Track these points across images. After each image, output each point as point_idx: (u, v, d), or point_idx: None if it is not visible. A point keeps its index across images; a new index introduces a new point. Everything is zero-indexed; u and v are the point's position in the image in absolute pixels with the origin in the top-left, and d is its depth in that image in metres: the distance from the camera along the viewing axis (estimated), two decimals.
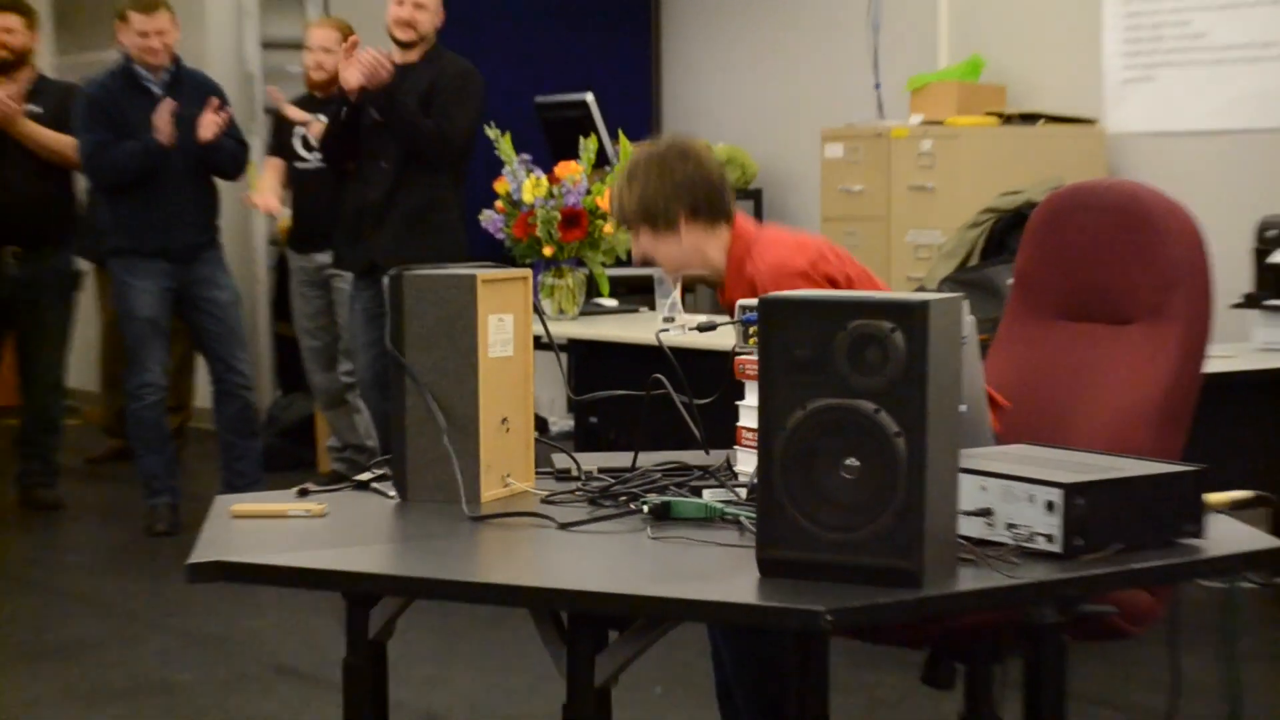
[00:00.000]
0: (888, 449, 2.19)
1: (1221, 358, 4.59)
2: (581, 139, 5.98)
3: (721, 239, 3.60)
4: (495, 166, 5.87)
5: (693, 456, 2.98)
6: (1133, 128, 6.91)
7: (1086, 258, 3.18)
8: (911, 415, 2.18)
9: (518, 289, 2.89)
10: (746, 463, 2.75)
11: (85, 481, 8.01)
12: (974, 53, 7.31)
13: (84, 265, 7.76)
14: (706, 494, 2.70)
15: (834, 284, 3.51)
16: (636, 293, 6.57)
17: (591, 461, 3.00)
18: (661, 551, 2.47)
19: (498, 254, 5.83)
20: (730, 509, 2.60)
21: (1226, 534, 2.56)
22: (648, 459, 2.98)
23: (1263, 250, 5.51)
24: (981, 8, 7.40)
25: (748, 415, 2.73)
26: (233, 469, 6.82)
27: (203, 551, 2.52)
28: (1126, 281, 3.10)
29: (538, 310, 2.94)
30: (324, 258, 7.18)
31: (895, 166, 6.80)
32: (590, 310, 5.92)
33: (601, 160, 6.14)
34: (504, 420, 2.84)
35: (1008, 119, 6.86)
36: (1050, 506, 2.35)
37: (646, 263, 3.69)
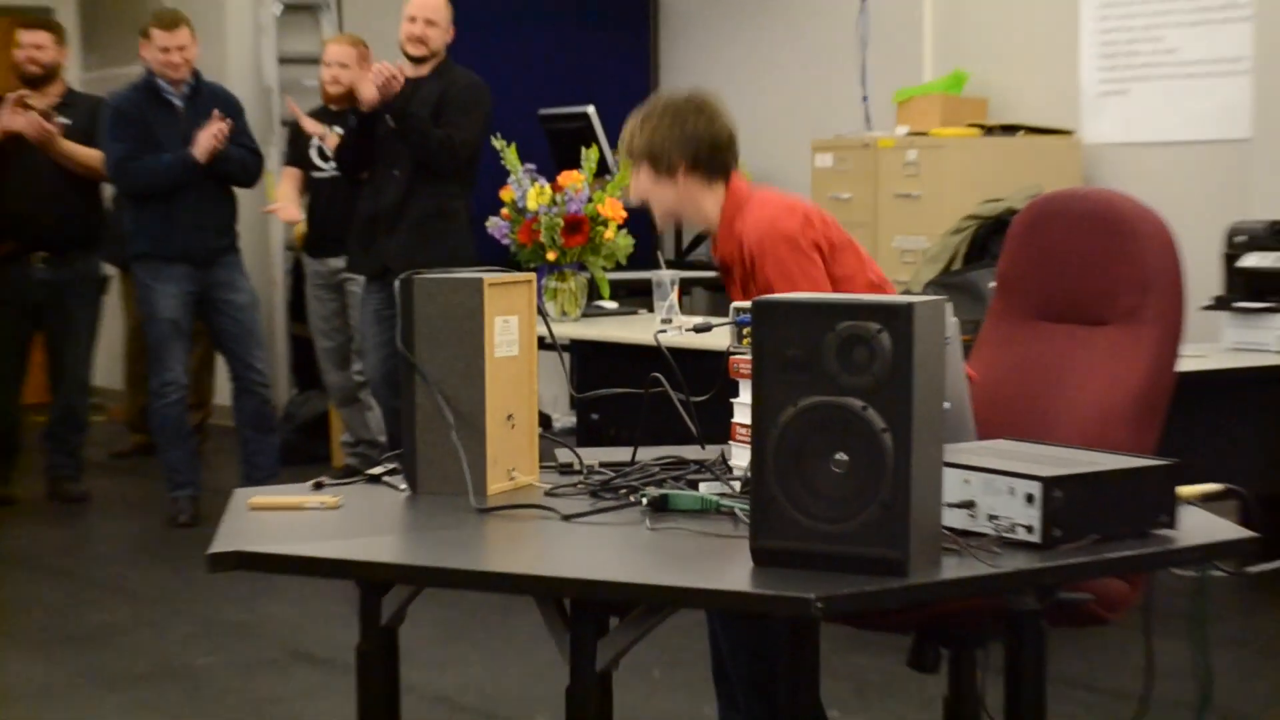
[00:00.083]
0: (875, 444, 2.19)
1: (1193, 357, 4.59)
2: (583, 149, 5.98)
3: (717, 194, 3.58)
4: (501, 175, 5.87)
5: (689, 451, 2.97)
6: (1108, 138, 6.91)
7: (1065, 262, 3.17)
8: (897, 412, 2.18)
9: (522, 292, 2.89)
10: (741, 457, 2.75)
11: (110, 475, 8.01)
12: (957, 67, 7.32)
13: (110, 270, 7.76)
14: (703, 487, 2.70)
15: (818, 249, 3.50)
16: (636, 295, 6.57)
17: (593, 456, 2.99)
18: (660, 542, 2.46)
19: (504, 259, 5.83)
20: (725, 501, 2.60)
21: (1198, 525, 2.56)
22: (647, 454, 2.98)
23: (1232, 255, 5.51)
24: (964, 25, 7.40)
25: (742, 412, 2.72)
26: (251, 463, 6.83)
27: (222, 542, 2.52)
28: (1103, 285, 3.10)
29: (541, 312, 2.94)
30: (338, 262, 7.18)
31: (882, 175, 6.81)
32: (591, 312, 5.92)
33: (602, 170, 6.14)
34: (509, 417, 2.84)
35: (989, 130, 6.86)
36: (1030, 499, 2.35)
37: (642, 204, 3.67)
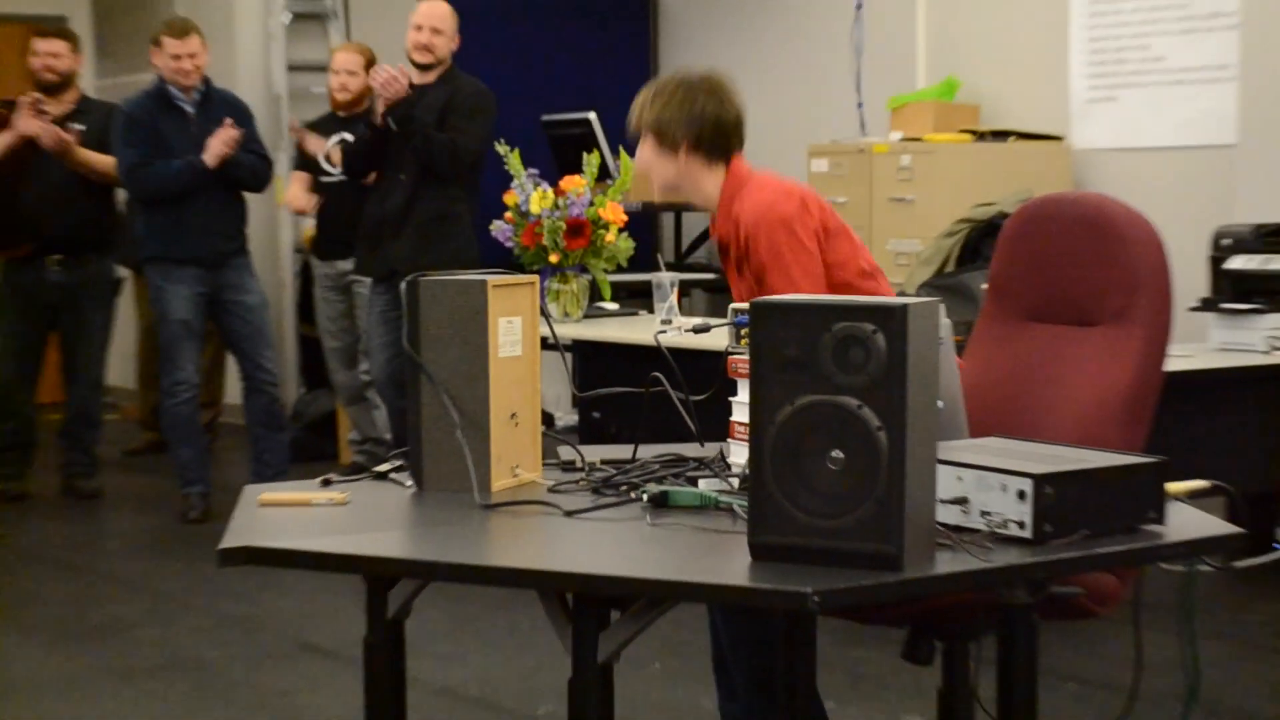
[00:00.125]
0: (870, 442, 2.18)
1: (1181, 357, 4.59)
2: (585, 155, 5.98)
3: (717, 175, 3.56)
4: (505, 180, 5.87)
5: (689, 449, 2.97)
6: (1097, 144, 6.91)
7: (1055, 264, 3.17)
8: (892, 411, 2.18)
9: (526, 293, 2.89)
10: (739, 454, 2.74)
11: (123, 472, 8.01)
12: (950, 74, 7.32)
13: (123, 272, 7.77)
14: (702, 484, 2.70)
15: (813, 234, 3.48)
16: (636, 297, 6.57)
17: (594, 453, 2.99)
18: (660, 537, 2.46)
19: (507, 261, 5.83)
20: (724, 498, 2.60)
21: (1186, 521, 2.56)
22: (647, 451, 2.97)
23: (1218, 257, 5.50)
24: (957, 33, 7.40)
25: (740, 410, 2.72)
26: (261, 460, 6.83)
27: (232, 537, 2.51)
28: (1093, 286, 3.10)
29: (544, 313, 2.94)
30: (346, 264, 7.18)
31: (876, 180, 6.80)
32: (593, 313, 5.92)
33: (604, 175, 6.14)
34: (513, 415, 2.84)
35: (981, 136, 6.86)
36: (1022, 495, 2.34)
37: (644, 174, 3.64)
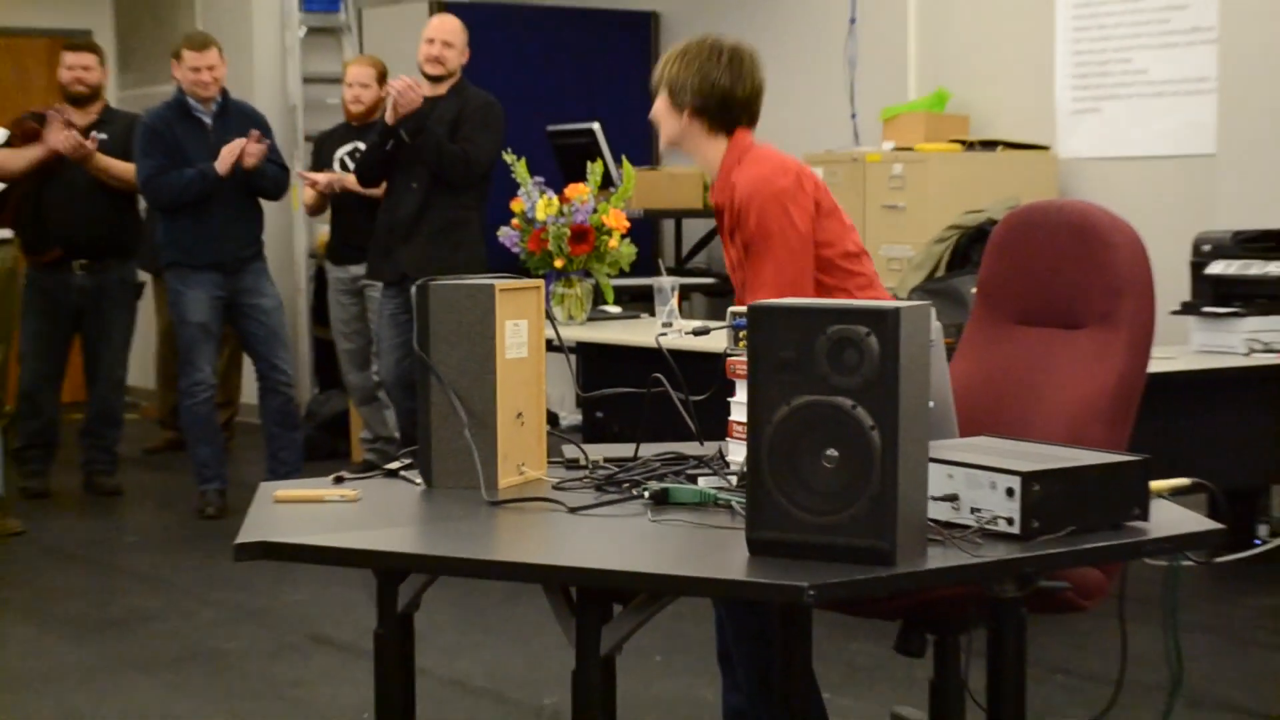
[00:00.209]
0: (864, 441, 2.18)
1: (1163, 359, 4.58)
2: (589, 164, 5.97)
3: (718, 144, 3.51)
4: (512, 188, 5.87)
5: (689, 448, 2.96)
6: (1082, 153, 6.91)
7: (1042, 269, 3.16)
8: (885, 410, 2.17)
9: (531, 297, 2.88)
10: (737, 453, 2.74)
11: (143, 470, 8.01)
12: (940, 86, 7.31)
13: (144, 276, 7.76)
14: (701, 481, 2.69)
15: (805, 210, 3.43)
16: (638, 300, 6.57)
17: (597, 452, 2.99)
18: (661, 533, 2.46)
19: (514, 266, 5.83)
20: (723, 495, 2.59)
21: (1169, 517, 2.55)
22: (648, 450, 2.97)
23: (1199, 263, 5.50)
24: (947, 46, 7.40)
25: (738, 410, 2.71)
26: (276, 458, 6.82)
27: (248, 532, 2.51)
28: (1078, 290, 3.09)
29: (549, 316, 2.93)
30: (358, 269, 7.18)
31: (869, 188, 6.80)
32: (597, 316, 5.91)
33: (607, 182, 6.14)
34: (519, 415, 2.83)
35: (970, 145, 6.86)
36: (1010, 492, 2.34)
37: (655, 126, 3.58)
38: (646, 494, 2.62)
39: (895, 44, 7.54)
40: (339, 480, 2.84)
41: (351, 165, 7.15)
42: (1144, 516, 2.47)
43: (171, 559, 6.09)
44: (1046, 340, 3.15)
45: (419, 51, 6.47)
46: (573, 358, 5.60)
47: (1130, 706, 3.66)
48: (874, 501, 2.17)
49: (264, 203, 6.83)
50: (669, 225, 8.51)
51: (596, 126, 7.17)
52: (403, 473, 2.91)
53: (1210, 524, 2.55)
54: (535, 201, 5.75)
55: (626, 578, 2.28)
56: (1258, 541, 5.63)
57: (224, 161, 6.46)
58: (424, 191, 6.38)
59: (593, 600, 2.37)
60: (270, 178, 6.67)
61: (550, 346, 3.07)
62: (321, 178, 7.19)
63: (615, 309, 6.03)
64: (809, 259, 3.44)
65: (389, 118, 6.27)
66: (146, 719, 4.24)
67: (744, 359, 2.44)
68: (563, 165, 7.18)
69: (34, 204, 6.97)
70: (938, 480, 2.38)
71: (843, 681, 4.30)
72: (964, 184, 6.63)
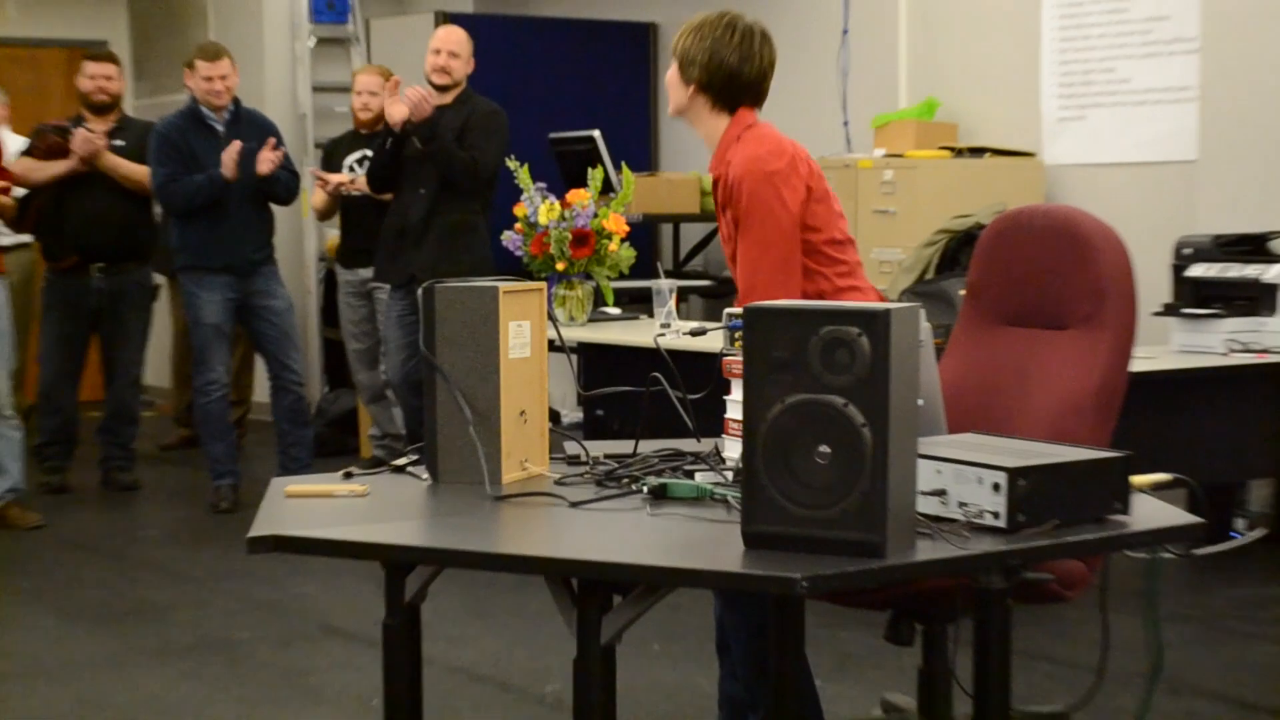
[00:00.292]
0: (855, 438, 2.18)
1: (1145, 359, 4.59)
2: (590, 170, 5.97)
3: (720, 119, 3.47)
4: (515, 193, 5.87)
5: (686, 444, 2.97)
6: (1067, 160, 6.91)
7: (1028, 272, 3.17)
8: (875, 408, 2.17)
9: (534, 299, 2.88)
10: (733, 450, 2.74)
11: (159, 466, 8.01)
12: (929, 95, 7.31)
13: (159, 279, 7.76)
14: (698, 477, 2.69)
15: (797, 194, 3.39)
16: (637, 302, 6.57)
17: (598, 448, 2.99)
18: (659, 526, 2.46)
19: (517, 269, 5.83)
20: (719, 490, 2.60)
21: (1149, 512, 2.56)
22: (647, 446, 2.97)
23: (1179, 266, 5.51)
24: (936, 56, 7.40)
25: (734, 408, 2.72)
26: (287, 454, 6.82)
27: (260, 526, 2.51)
28: (1063, 292, 3.10)
29: (551, 317, 2.94)
30: (367, 272, 7.18)
31: (861, 193, 6.80)
32: (597, 317, 5.91)
33: (607, 188, 6.14)
34: (522, 413, 2.84)
35: (959, 152, 6.86)
36: (996, 487, 2.34)
37: (668, 89, 3.57)
38: (645, 489, 2.63)
39: (886, 54, 7.54)
40: (348, 476, 2.85)
41: (360, 171, 7.16)
42: (1125, 510, 2.48)
43: (186, 552, 6.10)
44: (1032, 340, 3.15)
45: (426, 62, 6.47)
46: (574, 357, 5.61)
47: (1112, 693, 3.66)
48: (865, 496, 2.18)
49: (275, 208, 6.83)
50: (667, 229, 8.51)
51: (597, 134, 7.17)
52: (410, 469, 2.91)
53: (1189, 518, 2.56)
54: (538, 206, 5.75)
55: (626, 570, 2.28)
56: (1235, 534, 5.64)
57: (227, 166, 6.45)
58: (432, 197, 6.39)
59: (593, 591, 2.37)
60: (281, 183, 6.68)
61: (552, 346, 3.08)
62: (334, 177, 7.20)
63: (615, 310, 6.04)
64: (798, 240, 3.41)
65: (394, 115, 6.25)
66: (162, 706, 4.24)
67: (739, 359, 2.44)
68: (564, 171, 7.18)
69: (55, 211, 6.97)
70: (926, 476, 2.39)
71: (834, 669, 4.30)
72: (953, 190, 6.63)
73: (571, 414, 7.79)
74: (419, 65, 6.56)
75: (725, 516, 2.47)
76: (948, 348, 3.30)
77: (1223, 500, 5.59)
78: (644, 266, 6.38)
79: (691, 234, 8.35)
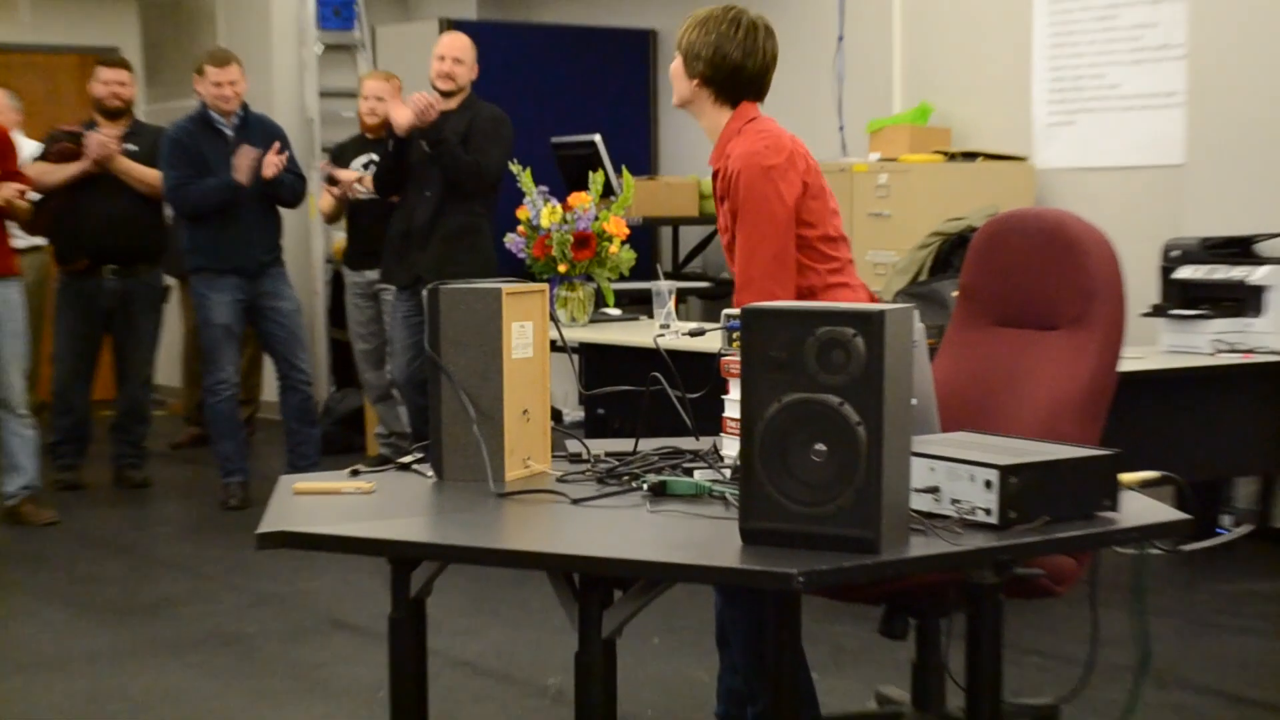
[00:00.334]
0: (850, 436, 2.18)
1: (1133, 359, 4.59)
2: (590, 174, 5.97)
3: (722, 113, 3.48)
4: (518, 196, 5.87)
5: (685, 442, 2.97)
6: (1057, 164, 6.91)
7: (1020, 274, 3.17)
8: (870, 408, 2.18)
9: (537, 300, 2.89)
10: (731, 448, 2.74)
11: (169, 464, 8.01)
12: (923, 100, 7.31)
13: (170, 281, 7.77)
14: (697, 474, 2.70)
15: (794, 190, 3.40)
16: (637, 303, 6.57)
17: (599, 446, 2.99)
18: (659, 523, 2.46)
19: (520, 271, 5.83)
20: (717, 487, 2.60)
21: (1138, 508, 2.56)
22: (647, 444, 2.97)
23: (1167, 268, 5.51)
24: (930, 62, 7.40)
25: (732, 407, 2.72)
26: (295, 452, 6.83)
27: (269, 522, 2.52)
28: (1053, 294, 3.10)
29: (553, 318, 2.94)
30: (373, 274, 7.18)
31: (856, 197, 6.80)
32: (598, 318, 5.92)
33: (608, 192, 6.14)
34: (525, 411, 2.84)
35: (952, 156, 6.85)
36: (988, 485, 2.35)
37: (672, 82, 3.56)
38: (645, 486, 2.63)
39: (881, 60, 7.54)
40: (355, 473, 2.85)
41: (363, 189, 7.15)
42: (1114, 507, 2.48)
43: (197, 548, 6.10)
44: (1023, 341, 3.16)
45: (431, 68, 6.47)
46: (575, 357, 5.61)
47: (1101, 686, 3.67)
48: (860, 493, 2.18)
49: (282, 210, 6.83)
50: (666, 232, 8.51)
51: (598, 138, 7.17)
52: (415, 466, 2.91)
53: (1177, 514, 2.56)
54: (540, 209, 5.75)
55: (626, 565, 2.29)
56: (1221, 531, 5.64)
57: (241, 171, 6.46)
58: (437, 200, 6.39)
59: (594, 586, 2.37)
60: (288, 187, 6.68)
61: (554, 347, 3.08)
62: (345, 173, 7.20)
63: (615, 311, 6.04)
64: (793, 234, 3.41)
65: (399, 119, 6.25)
66: (174, 698, 4.25)
67: (737, 359, 2.44)
68: (566, 175, 7.19)
69: (68, 214, 6.97)
70: (920, 473, 2.39)
71: (829, 662, 4.30)
72: (946, 193, 6.63)
73: (573, 413, 7.79)
74: (424, 71, 6.56)
75: (723, 513, 2.48)
76: (941, 348, 3.30)
77: (1210, 497, 5.59)
78: (644, 268, 6.38)
79: (690, 236, 8.35)
